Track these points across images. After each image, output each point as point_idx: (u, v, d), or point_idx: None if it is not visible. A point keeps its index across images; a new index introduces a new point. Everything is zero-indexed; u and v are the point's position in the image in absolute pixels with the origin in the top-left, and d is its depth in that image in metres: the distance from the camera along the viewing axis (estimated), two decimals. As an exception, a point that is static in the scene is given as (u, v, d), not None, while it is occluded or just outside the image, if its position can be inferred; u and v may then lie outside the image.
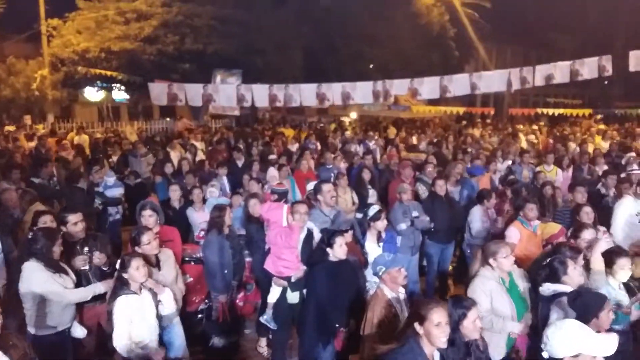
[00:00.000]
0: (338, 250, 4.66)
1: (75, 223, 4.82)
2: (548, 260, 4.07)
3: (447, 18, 27.24)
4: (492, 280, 4.23)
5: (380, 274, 3.95)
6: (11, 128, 15.56)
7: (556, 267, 3.96)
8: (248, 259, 6.01)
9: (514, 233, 5.74)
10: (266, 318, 5.20)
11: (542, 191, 7.63)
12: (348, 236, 5.19)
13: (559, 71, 13.46)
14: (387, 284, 3.95)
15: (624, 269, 4.14)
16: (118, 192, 8.77)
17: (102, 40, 18.72)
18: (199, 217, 6.69)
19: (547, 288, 3.99)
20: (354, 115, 25.59)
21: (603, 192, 7.81)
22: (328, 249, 4.71)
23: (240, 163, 10.67)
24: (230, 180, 9.26)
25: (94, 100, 23.73)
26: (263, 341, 5.94)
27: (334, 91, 11.97)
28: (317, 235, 5.46)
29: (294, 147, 14.08)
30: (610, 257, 4.24)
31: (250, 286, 6.06)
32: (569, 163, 10.59)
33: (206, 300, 5.89)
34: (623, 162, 10.52)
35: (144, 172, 10.67)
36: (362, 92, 12.22)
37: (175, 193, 7.01)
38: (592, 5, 35.94)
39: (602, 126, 20.45)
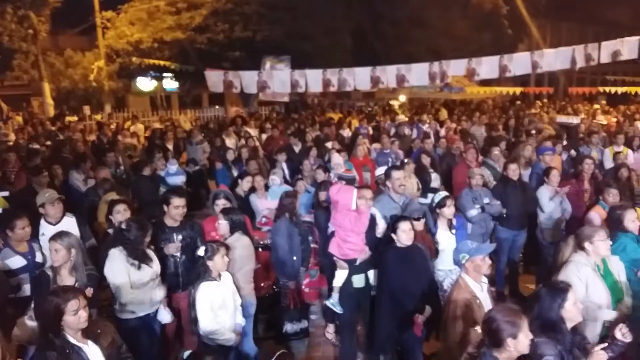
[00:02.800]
0: (402, 236, 4.55)
1: (177, 207, 4.89)
2: None
3: (500, -5, 26.26)
4: (587, 266, 4.03)
5: (463, 262, 3.80)
6: (73, 119, 16.09)
7: None
8: (313, 245, 6.00)
9: (595, 217, 5.45)
10: (332, 302, 5.16)
11: (617, 174, 7.22)
12: (420, 224, 5.06)
13: (627, 47, 12.71)
14: (470, 273, 3.79)
15: None
16: (180, 179, 8.92)
17: (155, 31, 19.10)
18: (262, 204, 6.70)
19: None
20: (402, 98, 25.13)
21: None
22: (392, 235, 4.62)
23: (297, 149, 10.64)
24: (289, 166, 9.25)
25: (146, 90, 24.26)
26: (331, 327, 5.93)
27: (389, 74, 11.72)
28: (379, 222, 5.37)
29: (345, 132, 13.94)
30: None
31: (314, 272, 6.05)
32: (639, 144, 10.01)
33: (274, 287, 5.95)
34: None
35: (200, 159, 10.82)
36: (417, 74, 11.92)
37: (248, 183, 7.01)
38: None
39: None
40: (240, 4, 19.06)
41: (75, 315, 3.03)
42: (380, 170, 6.90)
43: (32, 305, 3.60)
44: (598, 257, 4.09)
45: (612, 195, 5.58)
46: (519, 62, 12.62)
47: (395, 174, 5.63)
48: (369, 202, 4.88)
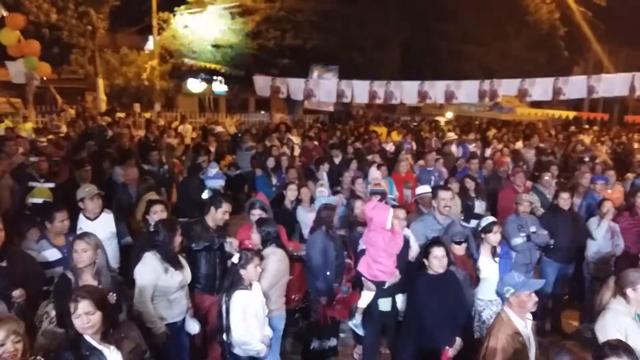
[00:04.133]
0: (434, 262, 4.35)
1: (225, 212, 4.97)
2: None
3: (557, 16, 25.48)
4: (626, 316, 3.70)
5: (507, 295, 3.56)
6: (122, 115, 16.52)
7: None
8: (347, 261, 5.84)
9: (652, 258, 5.08)
10: (354, 323, 5.00)
11: (679, 211, 6.75)
12: (461, 249, 4.84)
13: (693, 76, 12.04)
14: (514, 308, 3.55)
15: None
16: (219, 183, 8.94)
17: (208, 34, 19.42)
18: (309, 218, 6.51)
19: None
20: (449, 114, 24.65)
21: None
22: (424, 260, 4.41)
23: (337, 160, 10.52)
24: (329, 178, 9.13)
25: (196, 91, 24.74)
26: (359, 348, 5.74)
27: (437, 89, 11.51)
28: (413, 245, 5.17)
29: (388, 145, 13.74)
30: None
31: (346, 288, 5.88)
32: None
33: (305, 301, 5.81)
34: None
35: (246, 165, 10.85)
36: (467, 91, 11.66)
37: (292, 193, 6.92)
38: None
39: None
40: (293, 12, 19.16)
41: (79, 319, 2.95)
42: (421, 189, 6.67)
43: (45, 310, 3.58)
44: (638, 305, 3.75)
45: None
46: (574, 86, 12.19)
47: (443, 194, 5.43)
48: (403, 222, 4.72)
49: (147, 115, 18.85)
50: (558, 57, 25.25)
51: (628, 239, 6.31)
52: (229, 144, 13.67)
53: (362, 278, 4.91)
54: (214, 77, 21.70)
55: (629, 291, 3.74)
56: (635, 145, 15.01)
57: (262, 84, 11.08)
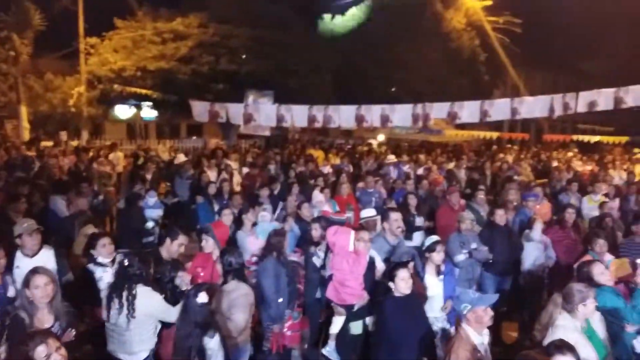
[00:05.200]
0: (401, 285, 4.45)
1: (181, 244, 4.90)
2: None
3: (477, 43, 27.16)
4: (574, 331, 3.92)
5: (465, 312, 3.70)
6: (48, 144, 15.70)
7: None
8: (299, 286, 5.83)
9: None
10: (329, 350, 4.99)
11: (602, 223, 7.32)
12: (409, 268, 4.98)
13: (603, 98, 13.10)
14: (472, 324, 3.69)
15: None
16: (157, 213, 8.65)
17: (139, 59, 19.01)
18: (251, 243, 6.49)
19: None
20: (381, 137, 25.42)
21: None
22: (390, 283, 4.51)
23: (278, 186, 10.51)
24: (271, 203, 9.11)
25: (125, 117, 24.01)
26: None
27: (373, 113, 11.83)
28: (378, 265, 5.27)
29: (326, 168, 13.94)
30: None
31: (297, 314, 5.87)
32: (615, 193, 10.24)
33: (255, 329, 5.72)
34: (675, 193, 10.11)
35: (186, 194, 10.60)
36: (401, 114, 12.07)
37: (228, 217, 6.84)
38: (621, 33, 35.63)
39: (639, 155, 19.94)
40: (228, 37, 19.22)
41: None
42: (366, 212, 6.82)
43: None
44: (584, 318, 4.03)
45: (600, 246, 5.61)
46: (499, 108, 12.90)
47: (394, 215, 5.59)
48: (368, 244, 4.80)
49: (74, 143, 18.03)
50: (480, 81, 26.85)
51: (559, 251, 6.75)
52: (164, 171, 13.35)
53: (332, 304, 4.92)
54: (144, 103, 21.22)
55: (580, 307, 3.95)
56: (555, 163, 16.13)
57: (200, 109, 10.93)
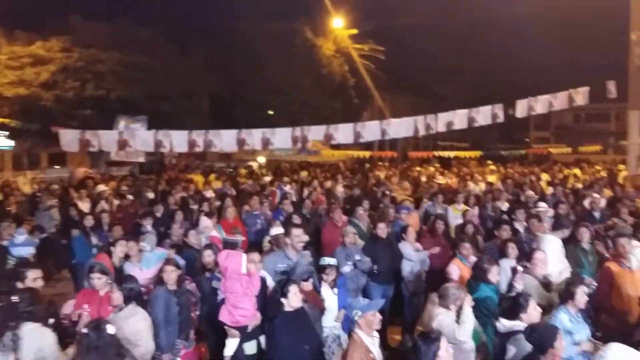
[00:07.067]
0: (293, 299, 4.65)
1: (35, 279, 4.55)
2: (514, 295, 4.38)
3: (347, 69, 28.83)
4: (449, 321, 4.46)
5: (356, 318, 3.99)
6: None
7: (520, 303, 4.27)
8: (193, 315, 5.75)
9: (454, 270, 6.09)
10: None
11: (463, 229, 8.17)
12: (309, 284, 5.21)
13: (458, 118, 14.60)
14: (363, 329, 3.99)
15: (583, 297, 4.58)
16: (27, 251, 7.92)
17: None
18: (137, 274, 6.22)
19: (502, 325, 4.29)
20: (261, 159, 25.69)
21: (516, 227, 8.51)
22: (282, 299, 4.69)
23: (159, 214, 10.18)
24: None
25: (-25, 148, 21.60)
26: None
27: (254, 137, 11.95)
28: (270, 283, 5.41)
29: (208, 193, 13.81)
30: (571, 288, 4.65)
31: (189, 343, 5.78)
32: (475, 202, 11.45)
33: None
34: (522, 199, 11.57)
35: (48, 226, 9.86)
36: (281, 137, 12.34)
37: (122, 249, 6.47)
38: (471, 62, 40.37)
39: (492, 167, 22.37)
40: (93, 62, 18.29)
41: None
42: (275, 230, 6.93)
43: None
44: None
45: (467, 249, 6.30)
46: (371, 129, 13.76)
47: (295, 231, 5.80)
48: (259, 265, 4.93)
49: None
50: (350, 104, 28.49)
51: (432, 257, 7.39)
52: (26, 205, 12.27)
53: (225, 327, 4.93)
54: (-1, 132, 19.33)
55: (452, 306, 4.56)
56: (423, 178, 17.54)
57: (69, 138, 10.17)
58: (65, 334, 4.50)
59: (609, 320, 5.68)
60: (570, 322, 4.49)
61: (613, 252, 6.15)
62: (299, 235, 5.86)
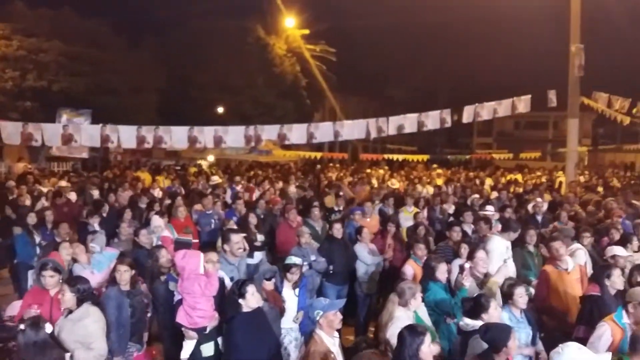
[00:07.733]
0: (251, 300, 4.61)
1: None
2: (476, 295, 4.53)
3: (299, 69, 28.87)
4: (407, 319, 4.56)
5: (317, 318, 4.01)
6: None
7: (482, 304, 4.42)
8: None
9: (409, 270, 6.23)
10: None
11: (415, 231, 8.36)
12: (270, 284, 5.20)
13: (409, 122, 14.92)
14: (324, 329, 4.01)
15: (522, 297, 4.77)
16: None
17: None
18: (89, 277, 5.97)
19: (465, 324, 4.43)
20: (211, 158, 25.29)
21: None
22: (240, 300, 4.64)
23: (104, 212, 9.82)
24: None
25: None
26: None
27: (206, 135, 11.75)
28: (228, 284, 5.34)
29: (155, 191, 13.48)
30: (510, 289, 4.85)
31: (140, 346, 5.62)
32: (424, 204, 11.74)
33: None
34: (468, 202, 11.98)
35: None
36: (234, 136, 12.19)
37: (67, 250, 6.20)
38: (420, 66, 41.40)
39: (439, 170, 23.00)
40: (35, 52, 17.42)
41: None
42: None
43: None
44: (414, 309, 4.77)
45: (421, 250, 6.46)
46: (324, 130, 13.85)
47: (234, 237, 5.73)
48: (217, 264, 4.86)
49: None
50: (302, 104, 28.55)
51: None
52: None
53: (182, 328, 4.82)
54: None
55: (412, 300, 4.72)
56: (374, 182, 17.80)
57: (10, 130, 9.59)
58: (8, 337, 4.29)
59: (549, 320, 5.96)
60: (510, 321, 4.65)
61: (548, 255, 6.49)
62: (238, 242, 5.81)
